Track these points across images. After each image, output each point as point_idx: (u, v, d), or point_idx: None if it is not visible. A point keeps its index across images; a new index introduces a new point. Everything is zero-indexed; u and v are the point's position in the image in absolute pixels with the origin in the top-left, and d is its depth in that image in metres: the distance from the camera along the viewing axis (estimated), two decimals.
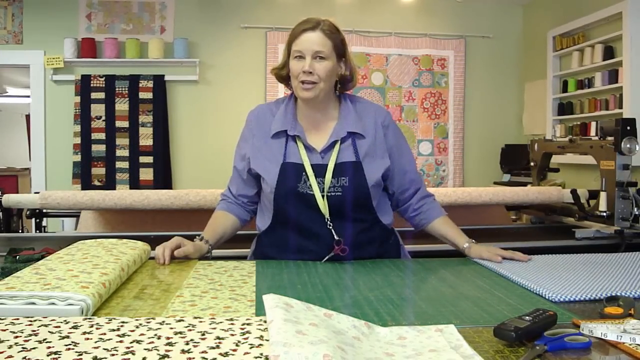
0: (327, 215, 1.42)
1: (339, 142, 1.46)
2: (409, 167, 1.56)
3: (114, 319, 0.87)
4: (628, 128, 2.13)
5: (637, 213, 2.13)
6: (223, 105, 4.79)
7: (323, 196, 1.41)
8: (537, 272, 1.24)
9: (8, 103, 7.64)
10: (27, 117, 6.36)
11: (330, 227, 1.42)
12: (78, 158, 4.59)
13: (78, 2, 4.65)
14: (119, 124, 4.63)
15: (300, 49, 1.41)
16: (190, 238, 2.00)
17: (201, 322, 0.86)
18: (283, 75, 1.50)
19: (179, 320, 0.87)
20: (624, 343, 0.80)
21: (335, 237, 1.42)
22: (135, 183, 4.65)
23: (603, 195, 2.22)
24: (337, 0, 4.93)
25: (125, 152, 4.64)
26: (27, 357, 0.71)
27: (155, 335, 0.80)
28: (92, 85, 4.58)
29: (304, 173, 1.42)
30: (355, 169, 1.44)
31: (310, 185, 1.41)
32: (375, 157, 1.48)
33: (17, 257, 1.35)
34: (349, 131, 1.46)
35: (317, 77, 1.40)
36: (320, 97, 1.44)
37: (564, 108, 4.53)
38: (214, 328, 0.83)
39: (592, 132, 4.08)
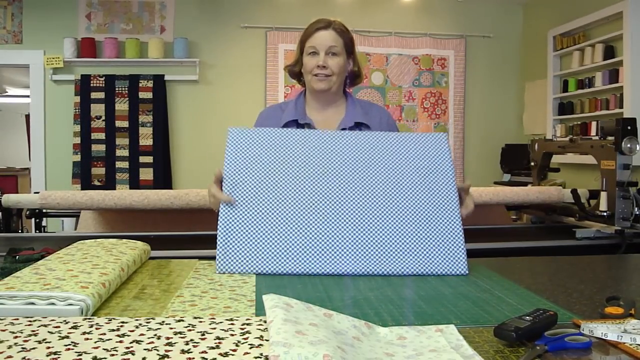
0: None
1: (347, 130, 1.55)
2: None
3: (114, 319, 0.87)
4: (628, 128, 2.13)
5: (637, 213, 2.13)
6: (223, 105, 4.78)
7: None
8: None
9: (8, 103, 7.64)
10: (27, 117, 6.36)
11: None
12: (78, 158, 4.59)
13: (78, 2, 4.65)
14: (118, 123, 4.63)
15: (314, 44, 1.52)
16: (191, 238, 2.01)
17: (201, 322, 0.86)
18: (296, 71, 1.61)
19: (179, 320, 0.86)
20: (624, 343, 0.79)
21: None
22: (135, 183, 4.65)
23: (603, 195, 2.21)
24: (337, 0, 4.93)
25: (125, 152, 4.64)
26: (26, 357, 0.71)
27: (155, 335, 0.80)
28: (91, 85, 4.58)
29: None
30: None
31: None
32: None
33: (17, 257, 1.35)
34: (356, 121, 1.56)
35: (330, 70, 1.52)
36: (333, 89, 1.55)
37: (564, 108, 4.53)
38: (214, 328, 0.83)
39: (593, 131, 4.08)
